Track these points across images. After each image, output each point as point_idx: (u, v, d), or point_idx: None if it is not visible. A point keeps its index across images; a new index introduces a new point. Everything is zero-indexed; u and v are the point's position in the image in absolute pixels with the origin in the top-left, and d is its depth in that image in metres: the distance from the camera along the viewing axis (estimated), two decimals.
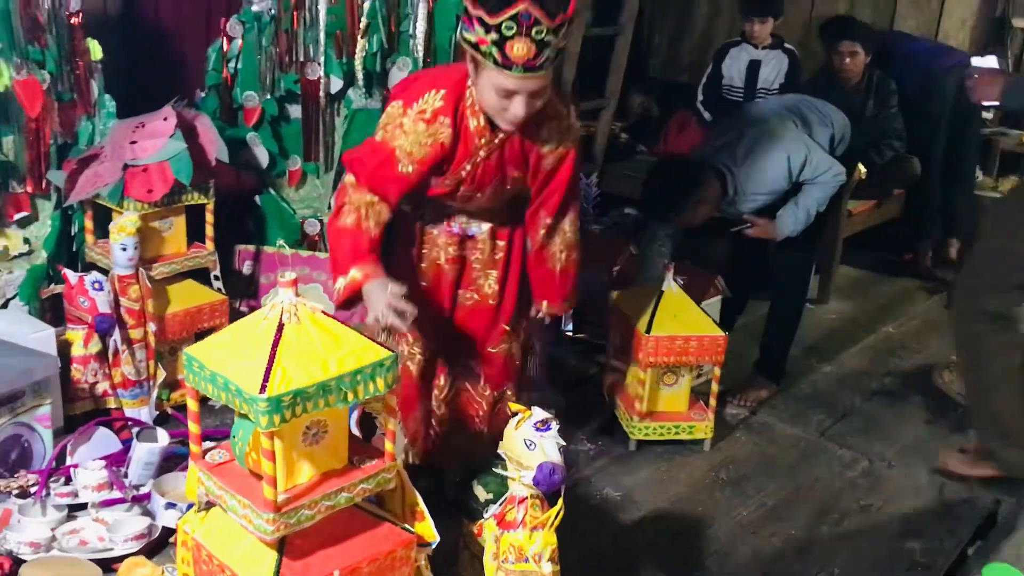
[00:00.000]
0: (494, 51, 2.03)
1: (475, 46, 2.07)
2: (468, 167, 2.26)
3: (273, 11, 3.30)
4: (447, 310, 2.54)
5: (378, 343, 1.82)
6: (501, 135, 2.23)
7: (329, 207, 3.66)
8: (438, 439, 2.68)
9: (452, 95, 2.20)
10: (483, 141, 2.23)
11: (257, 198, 3.56)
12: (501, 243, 2.49)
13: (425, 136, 2.19)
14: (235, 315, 3.26)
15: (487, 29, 2.02)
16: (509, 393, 2.64)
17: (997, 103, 2.89)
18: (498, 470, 2.07)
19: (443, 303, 2.53)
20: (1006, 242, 2.77)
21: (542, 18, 1.99)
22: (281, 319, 1.74)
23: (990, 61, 3.16)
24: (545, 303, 2.56)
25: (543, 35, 2.01)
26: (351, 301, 2.26)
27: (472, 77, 2.17)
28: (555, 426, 1.96)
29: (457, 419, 2.65)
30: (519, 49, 2.01)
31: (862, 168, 4.29)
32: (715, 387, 3.08)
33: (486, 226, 2.45)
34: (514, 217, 2.48)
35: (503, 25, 2.00)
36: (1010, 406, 2.82)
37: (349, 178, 2.28)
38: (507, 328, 2.56)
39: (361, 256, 2.21)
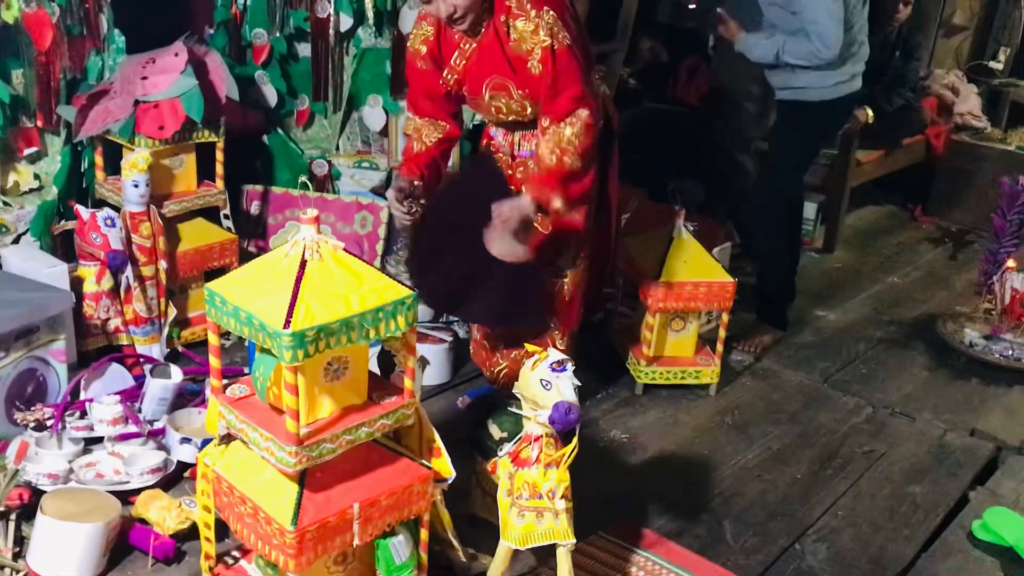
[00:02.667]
0: None
1: None
2: (458, 66, 2.51)
3: None
4: None
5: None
6: (475, 37, 2.45)
7: (338, 148, 3.65)
8: (490, 352, 2.79)
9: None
10: (462, 41, 2.49)
11: (265, 138, 3.53)
12: None
13: (419, 32, 2.54)
14: (243, 255, 3.28)
15: None
16: (552, 327, 2.68)
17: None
18: (513, 409, 2.09)
19: None
20: None
21: None
22: (304, 256, 1.74)
23: None
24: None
25: None
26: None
27: None
28: (571, 367, 1.98)
29: (508, 339, 2.74)
30: None
31: (870, 112, 4.28)
32: (722, 333, 3.11)
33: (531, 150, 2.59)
34: None
35: None
36: None
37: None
38: (545, 263, 2.58)
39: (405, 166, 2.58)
